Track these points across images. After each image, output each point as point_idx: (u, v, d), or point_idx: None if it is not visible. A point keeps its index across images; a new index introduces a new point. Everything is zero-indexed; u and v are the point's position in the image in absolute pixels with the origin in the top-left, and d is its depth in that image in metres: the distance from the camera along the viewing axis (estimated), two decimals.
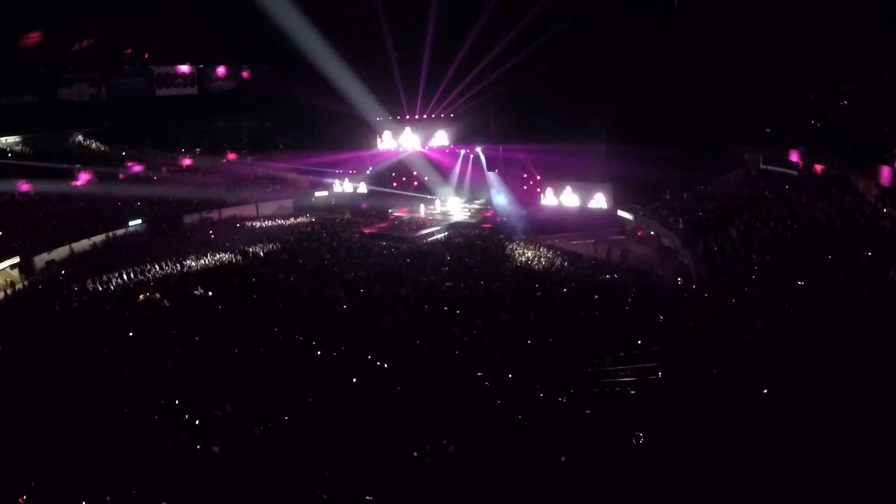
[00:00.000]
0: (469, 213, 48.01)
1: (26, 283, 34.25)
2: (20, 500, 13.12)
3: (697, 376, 16.95)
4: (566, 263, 33.16)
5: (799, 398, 13.48)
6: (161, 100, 56.80)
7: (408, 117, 52.71)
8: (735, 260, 27.96)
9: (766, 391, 14.76)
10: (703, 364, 17.47)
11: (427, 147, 52.40)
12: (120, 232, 42.62)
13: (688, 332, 20.58)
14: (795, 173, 36.60)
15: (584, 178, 44.55)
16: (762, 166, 40.23)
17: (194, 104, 57.92)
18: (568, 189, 44.29)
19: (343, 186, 52.59)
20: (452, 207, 48.75)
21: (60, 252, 38.13)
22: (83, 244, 39.76)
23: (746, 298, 22.92)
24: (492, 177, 50.27)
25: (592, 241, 38.29)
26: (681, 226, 35.43)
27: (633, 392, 17.20)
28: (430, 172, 50.69)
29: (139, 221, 44.16)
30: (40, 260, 36.83)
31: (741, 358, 17.18)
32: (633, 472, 12.13)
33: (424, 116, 53.37)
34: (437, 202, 49.57)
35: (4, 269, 34.96)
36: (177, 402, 17.70)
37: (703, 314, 22.42)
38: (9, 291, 32.22)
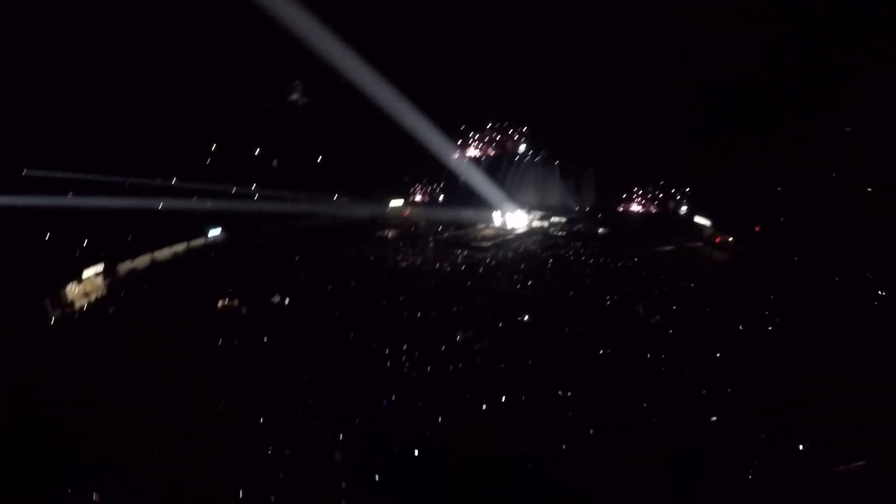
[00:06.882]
0: (540, 221, 47.09)
1: (107, 290, 35.01)
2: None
3: None
4: (644, 271, 32.09)
5: None
6: None
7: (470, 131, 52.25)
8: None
9: None
10: None
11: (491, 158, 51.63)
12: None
13: None
14: None
15: (659, 185, 43.20)
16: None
17: None
18: (643, 195, 43.02)
19: (415, 196, 52.85)
20: (521, 217, 47.86)
21: (142, 261, 39.27)
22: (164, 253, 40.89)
23: None
24: (565, 185, 49.52)
25: (671, 247, 37.00)
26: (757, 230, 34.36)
27: None
28: (499, 184, 49.96)
29: (218, 231, 45.13)
30: (123, 268, 37.83)
31: None
32: None
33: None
34: (509, 212, 48.76)
35: (90, 277, 35.95)
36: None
37: None
38: (93, 298, 33.04)
